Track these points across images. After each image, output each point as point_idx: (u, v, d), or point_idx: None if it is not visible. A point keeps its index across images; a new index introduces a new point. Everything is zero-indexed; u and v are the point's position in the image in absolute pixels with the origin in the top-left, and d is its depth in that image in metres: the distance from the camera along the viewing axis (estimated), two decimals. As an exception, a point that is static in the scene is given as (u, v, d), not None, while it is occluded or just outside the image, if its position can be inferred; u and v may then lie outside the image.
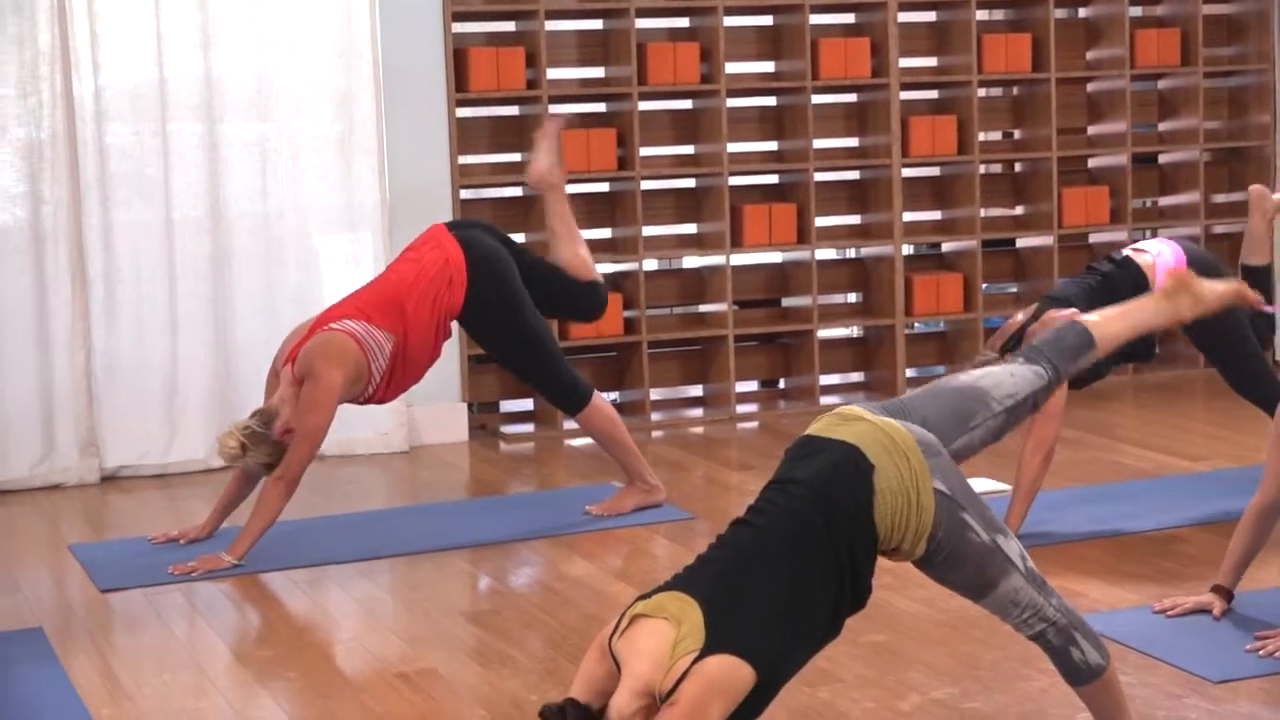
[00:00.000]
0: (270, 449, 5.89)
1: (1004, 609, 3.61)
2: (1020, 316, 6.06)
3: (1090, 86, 9.09)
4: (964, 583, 3.60)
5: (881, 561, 3.60)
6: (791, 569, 3.42)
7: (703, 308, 8.64)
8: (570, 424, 7.57)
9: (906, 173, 8.69)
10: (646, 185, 8.30)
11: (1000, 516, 5.83)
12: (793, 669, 3.47)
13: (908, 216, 8.74)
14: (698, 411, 8.52)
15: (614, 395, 8.52)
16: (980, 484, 6.46)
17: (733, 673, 3.29)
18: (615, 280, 8.39)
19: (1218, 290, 4.02)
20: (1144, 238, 9.11)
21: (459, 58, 7.92)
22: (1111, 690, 3.69)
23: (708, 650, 3.28)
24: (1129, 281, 6.00)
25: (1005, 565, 3.57)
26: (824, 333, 8.71)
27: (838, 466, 3.50)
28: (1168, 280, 4.02)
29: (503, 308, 6.20)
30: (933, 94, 8.86)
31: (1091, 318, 3.97)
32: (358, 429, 7.53)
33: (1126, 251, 6.18)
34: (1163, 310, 4.00)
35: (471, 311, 6.18)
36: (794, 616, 3.40)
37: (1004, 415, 3.74)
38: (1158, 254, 6.08)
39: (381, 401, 6.22)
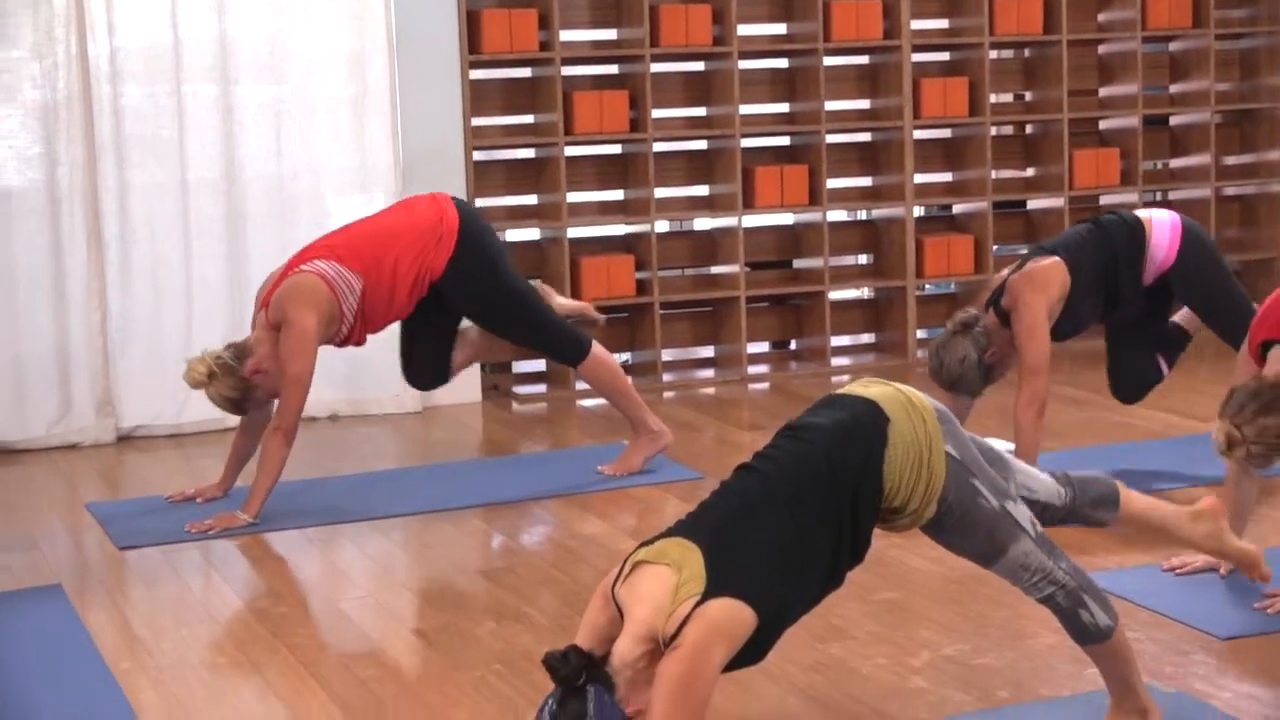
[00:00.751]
0: (236, 383, 5.92)
1: (1014, 573, 3.64)
2: (1005, 272, 6.10)
3: (1101, 48, 9.10)
4: (975, 549, 3.63)
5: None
6: (793, 515, 3.44)
7: (714, 269, 8.67)
8: (582, 384, 7.60)
9: (918, 134, 8.71)
10: (659, 147, 8.33)
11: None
12: (792, 614, 3.50)
13: (919, 178, 8.76)
14: (709, 372, 8.56)
15: (626, 356, 8.57)
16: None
17: (734, 615, 3.32)
18: (628, 241, 8.42)
19: (1236, 545, 4.07)
20: (1155, 200, 9.15)
21: (472, 19, 7.94)
22: (1120, 650, 3.72)
23: (709, 594, 3.32)
24: (1124, 231, 6.02)
25: (1015, 530, 3.60)
26: (835, 294, 8.75)
27: (856, 416, 3.54)
28: (1205, 505, 4.03)
29: (485, 274, 6.16)
30: (944, 56, 8.87)
31: (1127, 489, 3.96)
32: (371, 389, 7.57)
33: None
34: (1184, 527, 4.00)
35: (454, 277, 6.11)
36: (794, 562, 3.43)
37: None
38: (1156, 214, 6.10)
39: (359, 343, 6.20)
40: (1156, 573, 5.00)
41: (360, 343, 6.21)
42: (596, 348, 6.38)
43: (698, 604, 3.31)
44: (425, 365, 6.40)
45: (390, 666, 4.51)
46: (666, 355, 8.54)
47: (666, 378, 8.35)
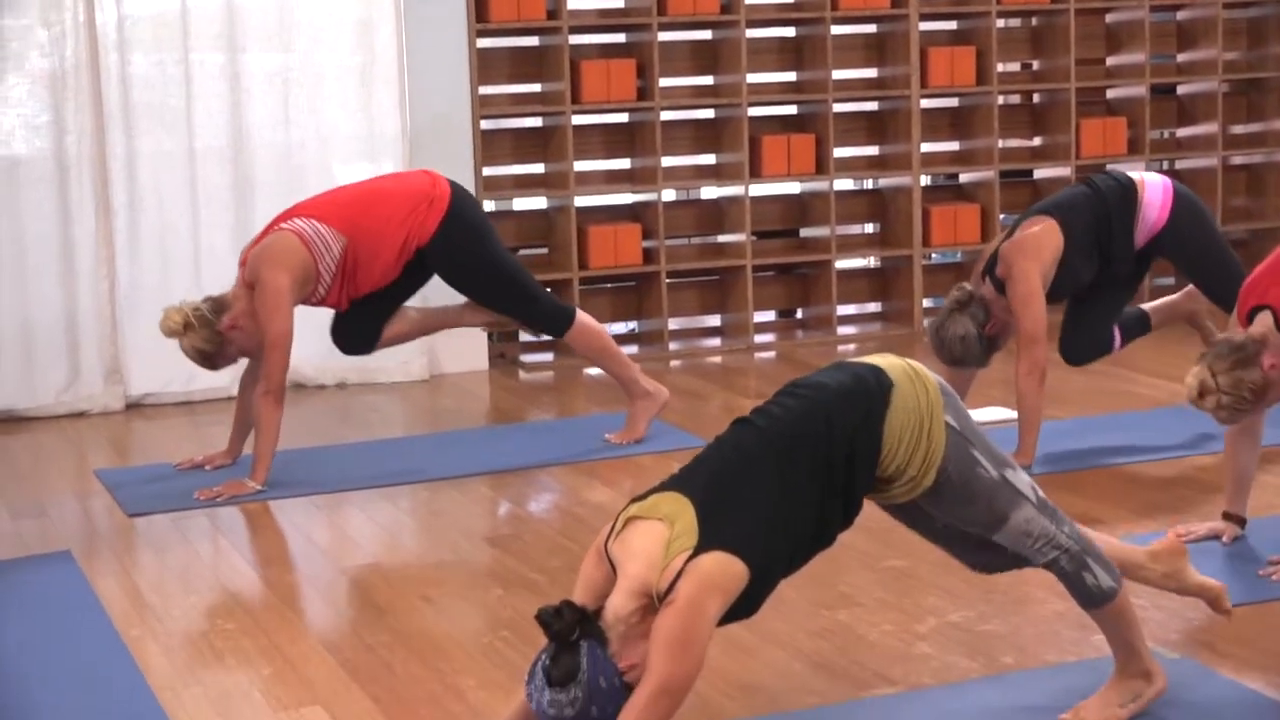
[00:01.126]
0: (211, 336, 5.91)
1: (1018, 540, 3.64)
2: (997, 240, 6.11)
3: (1109, 17, 9.09)
4: (977, 519, 3.63)
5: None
6: (786, 470, 3.44)
7: (721, 238, 8.68)
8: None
9: (925, 104, 8.70)
10: (666, 116, 8.33)
11: (1011, 449, 5.93)
12: (781, 569, 3.50)
13: (926, 147, 8.76)
14: (715, 341, 8.57)
15: (632, 324, 8.59)
16: (991, 413, 6.52)
17: (727, 569, 3.34)
18: (634, 210, 8.43)
19: (1197, 581, 3.99)
20: (1161, 169, 9.15)
21: (479, -12, 7.94)
22: (1124, 612, 3.73)
23: (701, 548, 3.33)
24: (1117, 191, 6.04)
25: (1015, 497, 3.60)
26: (842, 263, 8.75)
27: (859, 378, 3.55)
28: (1163, 545, 3.96)
29: (472, 243, 6.14)
30: (951, 25, 8.86)
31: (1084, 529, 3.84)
32: (378, 357, 7.58)
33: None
34: (1144, 566, 3.92)
35: (441, 244, 6.08)
36: (785, 517, 3.43)
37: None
38: (1148, 176, 6.12)
39: (338, 306, 6.16)
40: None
41: (340, 306, 6.16)
42: (581, 315, 6.37)
43: (690, 558, 3.32)
44: (355, 329, 6.28)
45: (398, 633, 4.53)
46: (673, 324, 8.55)
47: (673, 346, 8.37)
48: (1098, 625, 3.79)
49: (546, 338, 6.87)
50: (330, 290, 6.05)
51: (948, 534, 3.73)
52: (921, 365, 3.65)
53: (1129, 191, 6.02)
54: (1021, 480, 3.63)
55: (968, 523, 3.66)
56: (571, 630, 3.30)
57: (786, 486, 3.44)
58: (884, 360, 3.63)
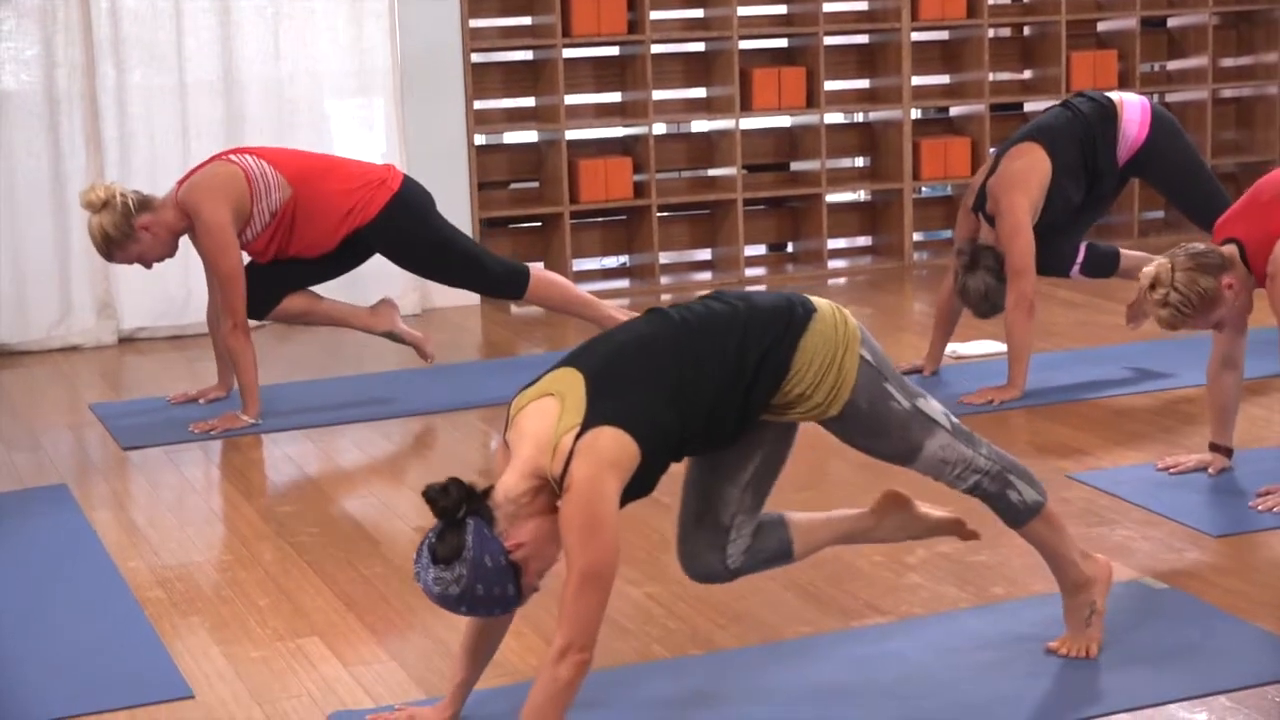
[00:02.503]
0: (122, 224, 5.81)
1: (936, 468, 3.62)
2: (981, 174, 6.11)
3: (1100, -50, 9.08)
4: (891, 449, 3.59)
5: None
6: (688, 358, 3.39)
7: (712, 172, 8.68)
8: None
9: (915, 36, 8.69)
10: (656, 49, 8.32)
11: (1000, 383, 5.96)
12: (672, 453, 3.42)
13: (916, 80, 8.75)
14: (706, 275, 8.59)
15: (623, 259, 8.60)
16: (980, 346, 6.55)
17: (618, 445, 3.27)
18: (625, 144, 8.43)
19: (935, 518, 3.85)
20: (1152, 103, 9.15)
21: (469, -80, 7.91)
22: (1052, 524, 3.72)
23: (588, 424, 3.28)
24: (1097, 110, 6.06)
25: (929, 425, 3.58)
26: (832, 197, 8.76)
27: (787, 298, 3.53)
28: (879, 500, 3.83)
29: (415, 224, 6.07)
30: (942, -43, 8.84)
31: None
32: (371, 293, 7.58)
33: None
34: (875, 529, 3.83)
35: (383, 225, 6.01)
36: (679, 401, 3.37)
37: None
38: (1126, 95, 6.14)
39: (259, 255, 6.03)
40: (1150, 471, 5.05)
41: (264, 257, 6.03)
42: (535, 271, 6.30)
43: (579, 436, 3.27)
44: (258, 286, 6.05)
45: (393, 564, 4.57)
46: (664, 258, 8.56)
47: (664, 280, 8.38)
48: (1031, 544, 3.78)
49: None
50: (259, 237, 5.95)
51: None
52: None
53: (1109, 110, 6.05)
54: (933, 407, 3.60)
55: (881, 454, 3.62)
56: (458, 507, 3.27)
57: (684, 374, 3.38)
58: (814, 297, 3.61)
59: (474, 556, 3.24)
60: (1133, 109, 6.07)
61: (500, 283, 6.27)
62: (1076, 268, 6.26)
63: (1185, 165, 6.15)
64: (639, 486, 3.37)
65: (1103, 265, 6.32)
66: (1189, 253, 4.54)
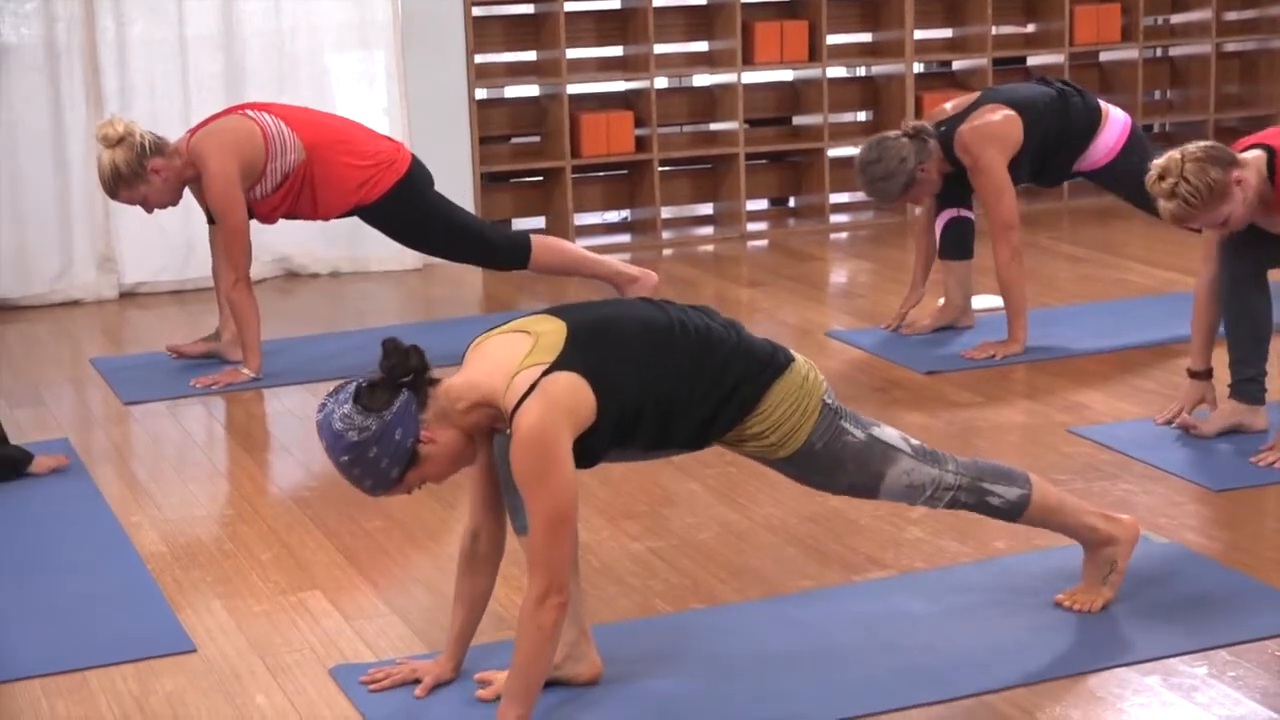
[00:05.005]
0: (134, 163, 5.77)
1: (907, 495, 3.58)
2: (952, 106, 6.06)
3: (1104, -98, 9.03)
4: (849, 481, 3.54)
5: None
6: (676, 351, 3.34)
7: (714, 126, 8.66)
8: (580, 242, 7.60)
9: (918, -10, 8.67)
10: (658, 2, 8.29)
11: (1001, 338, 5.95)
12: (626, 432, 3.33)
13: (919, 34, 8.72)
14: (708, 230, 8.57)
15: (625, 213, 8.58)
16: (981, 300, 6.53)
17: (577, 393, 3.20)
18: (627, 98, 8.41)
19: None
20: (1155, 56, 9.13)
21: (470, -128, 7.88)
22: (1048, 507, 3.69)
23: (555, 367, 3.21)
24: (1084, 116, 5.98)
25: (887, 452, 3.52)
26: (834, 151, 8.73)
27: (773, 344, 3.50)
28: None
29: (417, 202, 6.05)
30: (946, -91, 8.81)
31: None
32: (371, 247, 7.58)
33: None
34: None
35: (387, 206, 6.01)
36: (651, 380, 3.30)
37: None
38: (1114, 111, 6.05)
39: (265, 218, 6.03)
40: (1151, 426, 5.06)
41: (271, 219, 6.05)
42: (536, 239, 6.27)
43: (545, 373, 3.20)
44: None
45: (394, 518, 4.57)
46: (666, 213, 8.55)
47: (665, 235, 8.37)
48: (1043, 528, 3.78)
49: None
50: (269, 197, 5.94)
51: None
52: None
53: (1094, 117, 5.96)
54: (889, 433, 3.56)
55: (840, 488, 3.57)
56: (406, 373, 3.26)
57: (665, 365, 3.33)
58: (794, 351, 3.55)
59: (390, 421, 3.22)
60: (1112, 130, 5.97)
61: (505, 254, 6.25)
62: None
63: (1136, 176, 6.04)
64: (583, 454, 3.27)
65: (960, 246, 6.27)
66: (1204, 145, 4.42)
